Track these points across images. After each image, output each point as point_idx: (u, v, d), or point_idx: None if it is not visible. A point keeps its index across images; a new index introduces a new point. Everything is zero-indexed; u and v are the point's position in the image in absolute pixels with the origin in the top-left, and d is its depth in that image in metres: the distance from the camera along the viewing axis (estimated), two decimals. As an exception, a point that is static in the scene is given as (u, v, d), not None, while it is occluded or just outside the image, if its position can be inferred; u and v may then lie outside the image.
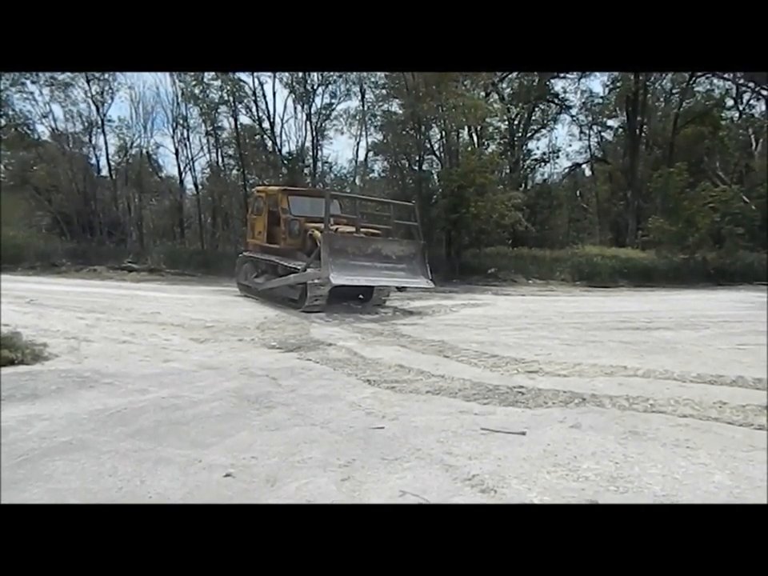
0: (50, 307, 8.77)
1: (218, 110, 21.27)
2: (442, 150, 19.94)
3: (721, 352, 6.22)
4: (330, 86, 21.60)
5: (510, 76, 25.70)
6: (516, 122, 26.93)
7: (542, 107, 27.72)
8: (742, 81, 24.45)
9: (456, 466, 2.96)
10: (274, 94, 22.28)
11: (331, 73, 20.74)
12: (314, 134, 21.75)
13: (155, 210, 25.94)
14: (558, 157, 29.27)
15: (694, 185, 18.81)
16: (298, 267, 9.61)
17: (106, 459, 2.98)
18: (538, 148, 29.08)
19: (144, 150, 22.38)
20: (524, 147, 27.45)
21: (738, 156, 25.35)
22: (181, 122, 21.24)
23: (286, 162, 21.54)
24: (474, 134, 23.15)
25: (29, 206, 21.62)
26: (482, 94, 22.31)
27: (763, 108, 25.16)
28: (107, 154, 21.39)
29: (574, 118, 27.93)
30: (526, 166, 28.15)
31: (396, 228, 10.75)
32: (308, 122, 21.51)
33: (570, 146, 34.40)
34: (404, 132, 19.78)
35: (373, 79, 21.85)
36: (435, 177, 20.79)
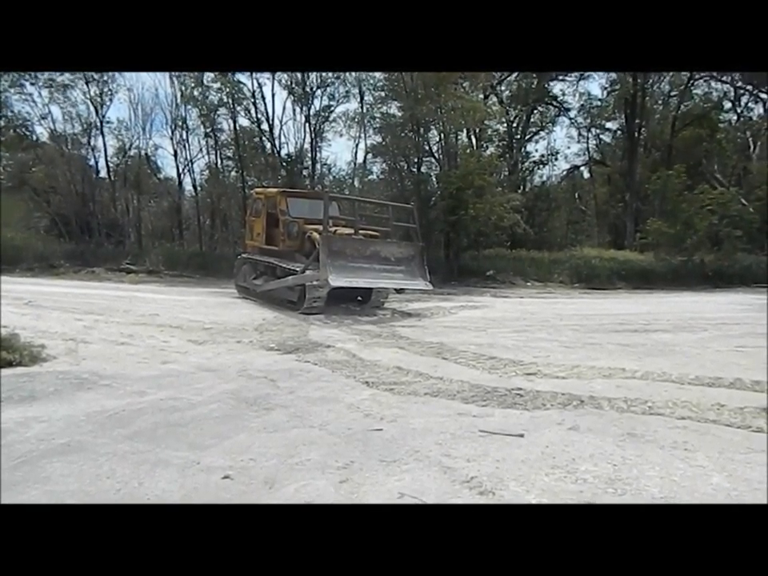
0: (48, 309, 8.77)
1: (217, 112, 21.30)
2: (440, 152, 19.97)
3: (719, 354, 6.23)
4: (328, 88, 21.66)
5: (508, 78, 25.75)
6: (515, 125, 26.97)
7: (541, 109, 27.76)
8: (740, 83, 24.53)
9: (454, 468, 2.96)
10: (273, 95, 22.35)
11: (330, 75, 20.79)
12: (313, 135, 21.79)
13: (154, 212, 25.92)
14: (556, 159, 29.31)
15: (692, 187, 18.83)
16: (297, 269, 9.61)
17: (104, 461, 2.98)
18: (536, 150, 29.16)
19: (143, 152, 22.40)
20: (522, 149, 27.48)
21: (736, 158, 25.39)
22: (180, 123, 21.28)
23: (284, 163, 21.56)
24: (472, 137, 23.17)
25: (27, 208, 21.60)
26: (481, 96, 22.36)
27: (761, 111, 25.26)
28: (106, 156, 21.43)
29: (573, 121, 28.00)
30: (524, 168, 28.16)
31: (395, 230, 10.75)
32: (307, 124, 21.57)
33: (569, 148, 34.39)
34: (403, 134, 19.80)
35: (372, 81, 21.91)
36: (434, 179, 20.79)
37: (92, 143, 20.96)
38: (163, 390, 4.44)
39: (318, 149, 22.25)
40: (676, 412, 4.02)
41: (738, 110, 26.43)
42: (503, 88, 26.46)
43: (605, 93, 26.85)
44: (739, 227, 17.97)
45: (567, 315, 10.03)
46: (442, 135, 19.55)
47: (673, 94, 25.97)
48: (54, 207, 21.04)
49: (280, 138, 21.70)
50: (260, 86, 21.15)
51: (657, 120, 26.35)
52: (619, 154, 27.53)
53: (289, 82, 21.13)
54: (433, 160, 20.80)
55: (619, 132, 27.28)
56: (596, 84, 37.09)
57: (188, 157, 21.77)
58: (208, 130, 21.65)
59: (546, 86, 26.31)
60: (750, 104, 25.99)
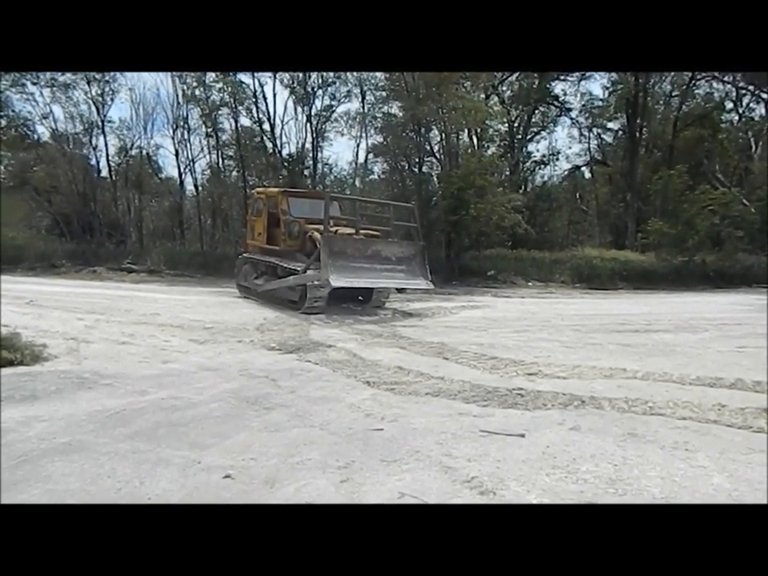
0: (50, 308, 8.78)
1: (219, 112, 21.30)
2: (441, 152, 19.96)
3: (720, 354, 6.22)
4: (330, 88, 21.65)
5: (510, 78, 25.73)
6: (516, 125, 26.96)
7: (542, 110, 27.74)
8: (741, 84, 24.49)
9: (455, 468, 2.96)
10: (275, 95, 22.37)
11: (331, 74, 20.78)
12: (314, 135, 21.78)
13: (155, 211, 25.94)
14: (557, 159, 29.34)
15: (694, 187, 18.81)
16: (298, 269, 9.61)
17: (105, 460, 2.98)
18: (537, 150, 29.16)
19: (144, 151, 22.43)
20: (524, 149, 27.48)
21: (738, 159, 25.34)
22: (181, 123, 21.29)
23: (286, 163, 21.55)
24: (473, 137, 23.17)
25: (29, 207, 21.62)
26: (482, 96, 22.35)
27: (763, 111, 25.20)
28: (107, 155, 21.45)
29: (574, 121, 27.99)
30: (525, 169, 28.16)
31: (395, 229, 10.75)
32: (308, 124, 21.56)
33: (570, 148, 34.37)
34: (404, 134, 19.81)
35: (373, 81, 21.92)
36: (435, 179, 20.79)
37: (93, 143, 21.03)
38: (164, 389, 4.44)
39: (319, 148, 22.29)
40: (677, 412, 4.02)
41: (740, 111, 26.43)
42: (504, 88, 26.46)
43: (606, 93, 26.88)
44: (740, 228, 17.96)
45: (568, 315, 10.03)
46: (443, 135, 19.55)
47: (674, 94, 25.94)
48: (55, 207, 21.06)
49: (281, 138, 21.74)
50: (261, 85, 21.19)
51: (658, 120, 26.31)
52: (620, 154, 27.52)
53: (290, 82, 21.14)
54: (434, 160, 20.82)
55: (620, 132, 27.27)
56: (597, 84, 37.13)
57: (189, 156, 21.81)
58: (209, 130, 21.67)
59: (548, 86, 26.28)
60: (751, 104, 25.99)
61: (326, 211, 9.14)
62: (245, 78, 20.82)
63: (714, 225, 17.82)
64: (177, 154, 21.56)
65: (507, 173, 25.17)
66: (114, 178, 21.94)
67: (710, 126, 24.91)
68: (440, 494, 2.64)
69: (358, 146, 23.35)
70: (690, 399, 4.33)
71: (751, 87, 24.27)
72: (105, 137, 21.05)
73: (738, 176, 24.88)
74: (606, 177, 28.94)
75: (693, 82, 24.72)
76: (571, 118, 27.86)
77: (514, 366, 5.49)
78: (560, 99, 27.42)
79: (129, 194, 22.36)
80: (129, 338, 6.55)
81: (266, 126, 21.69)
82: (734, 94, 25.75)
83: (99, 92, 20.14)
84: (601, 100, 27.08)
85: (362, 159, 23.69)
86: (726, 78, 24.36)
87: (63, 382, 4.51)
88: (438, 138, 20.09)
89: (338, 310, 9.74)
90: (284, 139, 21.79)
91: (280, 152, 21.69)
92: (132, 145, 21.89)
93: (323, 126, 22.21)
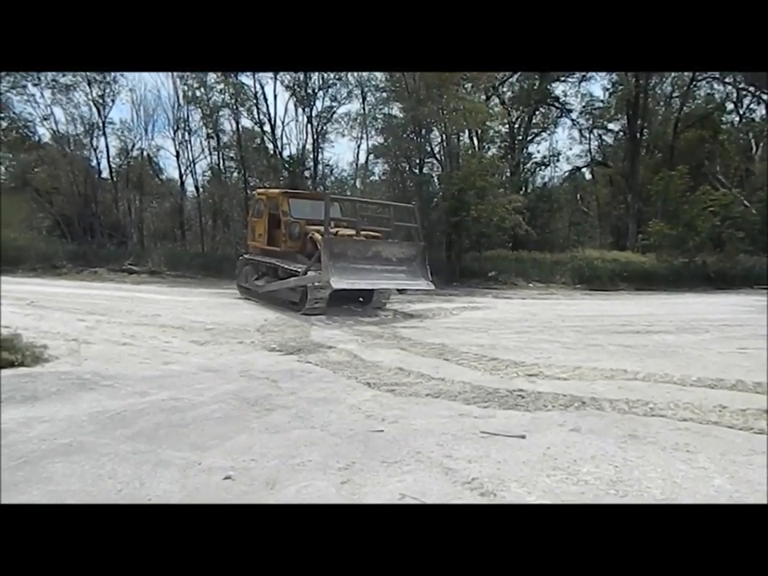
0: (51, 309, 8.78)
1: (220, 113, 21.29)
2: (442, 153, 19.93)
3: (721, 356, 6.22)
4: (330, 89, 21.64)
5: (510, 80, 25.74)
6: (516, 126, 26.97)
7: (543, 111, 27.73)
8: (742, 85, 24.49)
9: (455, 470, 2.96)
10: (275, 97, 22.32)
11: (332, 76, 20.78)
12: (315, 136, 21.76)
13: (156, 213, 25.93)
14: (558, 160, 29.32)
15: (695, 188, 18.78)
16: (299, 270, 9.61)
17: (106, 461, 2.98)
18: (538, 151, 29.18)
19: (145, 153, 22.39)
20: (524, 150, 27.46)
21: (739, 160, 25.34)
22: (182, 124, 21.27)
23: (286, 164, 21.54)
24: (474, 138, 23.19)
25: (30, 208, 21.62)
26: (483, 97, 22.36)
27: (763, 112, 25.17)
28: (108, 157, 21.40)
29: (575, 122, 27.98)
30: (526, 170, 28.15)
31: (396, 230, 10.74)
32: (309, 125, 21.53)
33: (571, 149, 34.42)
34: (405, 135, 19.80)
35: (373, 82, 21.92)
36: (436, 180, 20.77)
37: (94, 144, 20.96)
38: (165, 390, 4.45)
39: (320, 150, 22.25)
40: (678, 413, 4.02)
41: (741, 112, 26.43)
42: (505, 89, 26.46)
43: (607, 94, 26.86)
44: (741, 229, 17.95)
45: (569, 316, 10.02)
46: (444, 136, 19.53)
47: (675, 95, 25.94)
48: (56, 208, 21.05)
49: (282, 139, 21.71)
50: (262, 87, 21.15)
51: (659, 121, 26.31)
52: (621, 156, 27.52)
53: (291, 83, 21.14)
54: (434, 161, 20.78)
55: (621, 133, 27.26)
56: (598, 85, 37.14)
57: (190, 158, 21.77)
58: (210, 131, 21.65)
59: (548, 87, 26.28)
60: (752, 105, 25.97)
61: (326, 213, 9.14)
62: (246, 79, 20.84)
63: (714, 226, 17.79)
64: (178, 156, 21.56)
65: (508, 174, 25.14)
66: (114, 179, 21.92)
67: (710, 127, 24.92)
68: (440, 495, 2.64)
69: (358, 147, 23.38)
70: (690, 400, 4.33)
71: (752, 88, 24.27)
72: (106, 138, 21.05)
73: (738, 177, 24.86)
74: (607, 178, 28.94)
75: (693, 83, 24.72)
76: (572, 119, 27.89)
77: (515, 367, 5.49)
78: (560, 100, 27.45)
79: (130, 195, 22.33)
80: (130, 339, 6.55)
81: (267, 128, 21.69)
82: (735, 95, 25.79)
83: (100, 93, 20.13)
84: (601, 101, 27.10)
85: (362, 160, 23.73)
86: (726, 79, 24.37)
87: (64, 383, 4.51)
88: (439, 139, 20.08)
89: (338, 311, 9.74)
90: (285, 140, 21.80)
91: (281, 153, 21.68)
92: (133, 146, 21.89)
93: (324, 127, 22.20)
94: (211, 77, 20.18)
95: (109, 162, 21.50)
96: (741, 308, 11.97)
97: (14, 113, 20.16)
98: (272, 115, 21.50)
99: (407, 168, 20.63)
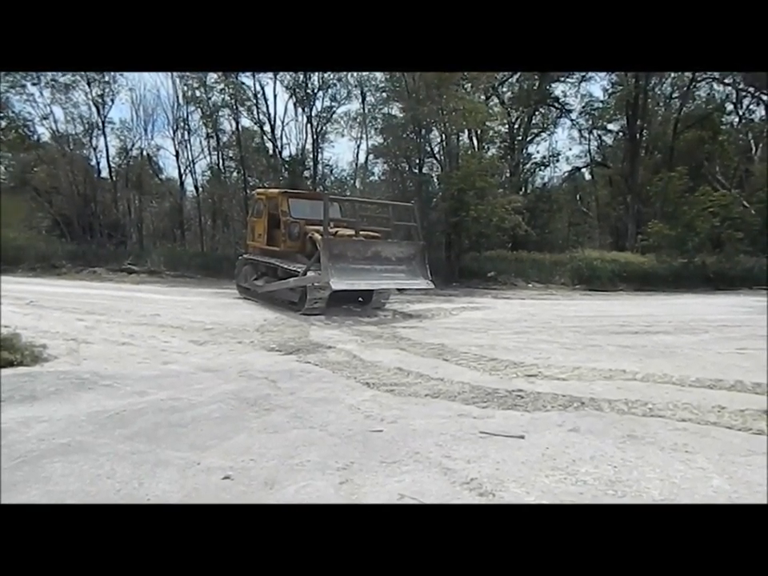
0: (50, 309, 8.79)
1: (219, 113, 21.29)
2: (442, 153, 19.92)
3: (720, 356, 6.23)
4: (330, 89, 21.63)
5: (510, 80, 25.74)
6: (516, 126, 26.94)
7: (542, 111, 27.70)
8: (741, 86, 24.49)
9: (454, 470, 2.96)
10: (275, 96, 22.33)
11: (331, 76, 20.78)
12: (315, 136, 21.74)
13: (155, 212, 25.91)
14: (557, 161, 29.28)
15: (694, 189, 18.79)
16: (298, 270, 9.60)
17: (105, 461, 2.98)
18: (538, 152, 29.15)
19: (144, 152, 22.38)
20: (524, 151, 27.44)
21: (738, 161, 25.35)
22: (182, 124, 21.26)
23: (286, 164, 21.53)
24: (474, 138, 23.18)
25: (29, 208, 21.61)
26: (483, 97, 22.35)
27: (763, 113, 25.18)
28: (108, 156, 21.40)
29: (574, 122, 27.94)
30: (525, 170, 28.12)
31: (395, 229, 10.75)
32: (309, 125, 21.52)
33: (570, 149, 34.47)
34: (404, 135, 19.77)
35: (373, 82, 21.91)
36: (435, 180, 20.77)
37: (94, 144, 20.97)
38: (164, 390, 4.45)
39: (319, 150, 22.24)
40: (677, 414, 4.02)
41: (740, 112, 26.41)
42: (504, 89, 26.45)
43: (606, 94, 26.86)
44: (741, 229, 17.96)
45: (568, 317, 10.03)
46: (444, 136, 19.51)
47: (674, 95, 25.94)
48: (55, 208, 21.04)
49: (282, 139, 21.69)
50: (262, 87, 21.14)
51: (658, 122, 26.30)
52: (621, 156, 27.50)
53: (291, 84, 21.13)
54: (434, 161, 20.77)
55: (621, 134, 27.24)
56: (597, 86, 37.14)
57: (190, 157, 21.77)
58: (210, 131, 21.64)
59: (548, 87, 26.27)
60: (751, 106, 25.98)
61: (325, 213, 9.13)
62: (245, 79, 20.84)
63: (714, 227, 17.80)
64: (177, 155, 21.55)
65: (507, 174, 25.14)
66: (114, 178, 21.91)
67: (710, 128, 24.91)
68: (439, 495, 2.64)
69: (358, 147, 23.37)
70: (689, 401, 4.33)
71: (751, 89, 24.27)
72: (105, 138, 21.04)
73: (738, 178, 24.88)
74: (607, 178, 28.95)
75: (693, 83, 24.71)
76: (571, 120, 27.87)
77: (514, 368, 5.50)
78: (560, 101, 27.42)
79: (129, 194, 22.33)
80: (129, 338, 6.55)
81: (267, 128, 21.67)
82: (735, 95, 25.78)
83: (99, 93, 20.12)
84: (601, 102, 27.07)
85: (362, 160, 23.71)
86: (726, 80, 24.37)
87: (63, 383, 4.51)
88: (439, 139, 20.05)
89: (338, 311, 9.74)
90: (284, 140, 21.78)
91: (280, 153, 21.67)
92: (132, 146, 21.88)
93: (324, 127, 22.19)
94: (211, 77, 20.18)
95: (108, 161, 21.52)
96: (740, 309, 11.98)
97: (13, 112, 20.18)
98: (272, 115, 21.51)
99: (407, 168, 20.62)
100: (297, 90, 21.20)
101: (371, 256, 9.35)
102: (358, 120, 22.93)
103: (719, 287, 17.56)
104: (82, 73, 18.90)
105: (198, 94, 20.75)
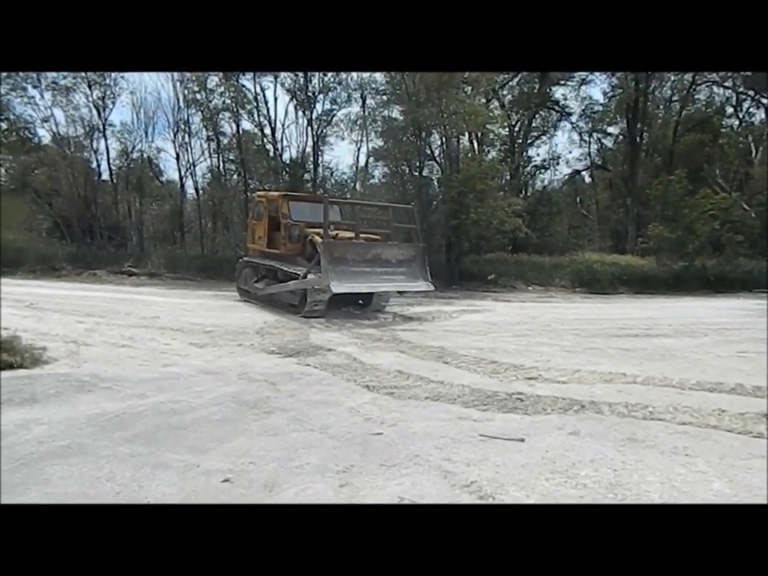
0: (50, 311, 8.78)
1: (220, 115, 21.31)
2: (442, 156, 19.93)
3: (720, 359, 6.22)
4: (330, 92, 21.65)
5: (510, 83, 25.79)
6: (516, 129, 26.96)
7: (543, 114, 27.73)
8: (741, 89, 24.54)
9: (454, 473, 2.95)
10: (276, 99, 22.45)
11: (332, 79, 20.82)
12: (315, 139, 21.75)
13: (156, 215, 25.94)
14: (558, 164, 29.33)
15: (694, 192, 18.79)
16: (298, 272, 9.61)
17: (104, 464, 2.98)
18: (538, 155, 29.14)
19: (145, 155, 22.42)
20: (524, 154, 27.45)
21: (738, 164, 25.36)
22: (182, 126, 21.30)
23: (286, 167, 21.55)
24: (474, 141, 23.18)
25: (29, 210, 21.62)
26: (483, 100, 22.36)
27: (763, 116, 25.24)
28: (108, 159, 21.42)
29: (574, 125, 27.98)
30: (526, 173, 28.15)
31: (395, 231, 10.75)
32: (309, 128, 21.53)
33: (570, 152, 34.51)
34: (404, 138, 19.78)
35: (373, 85, 21.94)
36: (435, 183, 20.76)
37: (94, 146, 21.00)
38: (163, 392, 4.44)
39: (320, 152, 22.25)
40: (677, 417, 4.02)
41: (740, 115, 26.46)
42: (505, 92, 26.48)
43: (606, 97, 26.90)
44: (741, 232, 17.95)
45: (568, 320, 10.03)
46: (444, 139, 19.52)
47: (675, 98, 25.96)
48: (56, 210, 21.07)
49: (282, 142, 21.70)
50: (263, 89, 21.19)
51: (659, 125, 26.32)
52: (621, 159, 27.50)
53: (291, 86, 21.17)
54: (434, 164, 20.76)
55: (621, 137, 27.26)
56: (597, 89, 37.11)
57: (190, 160, 21.78)
58: (210, 134, 21.64)
59: (548, 90, 26.31)
60: (751, 109, 26.03)
61: (325, 216, 9.14)
62: (246, 82, 20.88)
63: (714, 230, 17.79)
64: (178, 158, 21.58)
65: (507, 177, 25.16)
66: (114, 181, 21.94)
67: (710, 131, 24.94)
68: (439, 498, 2.64)
69: (358, 149, 23.38)
70: (689, 404, 4.33)
71: (751, 92, 24.32)
72: (106, 140, 21.07)
73: (738, 181, 24.90)
74: (607, 181, 28.96)
75: (693, 86, 24.74)
76: (571, 123, 27.91)
77: (514, 371, 5.49)
78: (560, 104, 27.45)
79: (129, 197, 22.35)
80: (129, 341, 6.55)
81: (267, 130, 21.67)
82: (735, 98, 25.81)
83: (100, 95, 20.16)
84: (601, 104, 27.11)
85: (362, 163, 23.71)
86: (726, 83, 24.42)
87: (63, 385, 4.51)
88: (439, 142, 20.05)
89: (338, 313, 9.74)
90: (285, 143, 21.79)
91: (281, 156, 21.68)
92: (133, 148, 21.91)
93: (324, 130, 22.21)
94: (212, 79, 20.22)
95: (109, 164, 21.55)
96: (740, 312, 11.98)
97: (14, 114, 20.20)
98: (272, 118, 21.53)
99: (407, 171, 20.61)
100: (297, 92, 21.23)
101: (371, 258, 9.36)
102: (358, 123, 22.94)
103: (719, 290, 17.56)
104: (83, 75, 18.95)
105: (198, 96, 20.77)
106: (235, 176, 23.04)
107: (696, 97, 25.97)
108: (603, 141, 28.63)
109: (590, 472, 3.00)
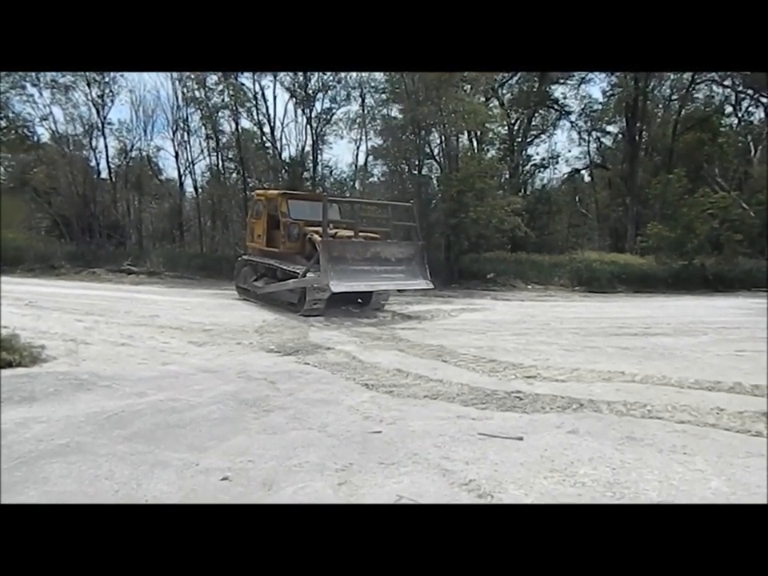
0: (49, 309, 8.78)
1: (219, 114, 21.28)
2: (441, 154, 19.91)
3: (719, 358, 6.23)
4: (330, 91, 21.62)
5: (510, 81, 25.77)
6: (516, 128, 26.94)
7: (542, 113, 27.70)
8: (741, 88, 24.53)
9: (453, 471, 2.96)
10: (275, 98, 22.36)
11: (331, 77, 20.79)
12: (315, 138, 21.73)
13: (155, 213, 25.89)
14: (557, 162, 29.29)
15: (693, 191, 18.79)
16: (297, 271, 9.60)
17: (103, 462, 2.98)
18: (537, 153, 29.10)
19: (144, 153, 22.36)
20: (523, 152, 27.44)
21: (737, 163, 25.34)
22: (181, 125, 21.26)
23: (286, 165, 21.53)
24: (473, 139, 23.16)
25: (29, 209, 21.59)
26: (482, 99, 22.35)
27: (762, 115, 25.22)
28: (107, 157, 21.36)
29: (574, 124, 27.95)
30: (525, 172, 28.14)
31: (395, 230, 10.75)
32: (308, 126, 21.51)
33: (570, 151, 34.30)
34: (404, 136, 19.75)
35: (373, 84, 21.91)
36: (435, 181, 20.76)
37: (93, 144, 20.91)
38: (163, 391, 4.44)
39: (319, 151, 22.22)
40: (675, 416, 4.02)
41: (739, 114, 26.42)
42: (504, 91, 26.45)
43: (606, 96, 26.87)
44: (740, 231, 17.95)
45: (567, 318, 10.03)
46: (443, 138, 19.50)
47: (674, 97, 25.95)
48: (55, 208, 21.03)
49: (281, 140, 21.67)
50: (262, 88, 21.15)
51: (658, 124, 26.31)
52: (620, 158, 27.48)
53: (291, 85, 21.14)
54: (434, 162, 20.74)
55: (620, 135, 27.23)
56: (597, 87, 37.14)
57: (189, 158, 21.73)
58: (209, 132, 21.60)
59: (547, 89, 26.28)
60: (750, 108, 26.00)
61: (324, 215, 9.14)
62: (245, 80, 20.85)
63: (713, 228, 17.79)
64: (177, 156, 21.53)
65: (507, 176, 25.16)
66: (113, 179, 21.88)
67: (709, 130, 24.91)
68: (438, 496, 2.64)
69: (357, 148, 23.31)
70: (688, 403, 4.34)
71: (750, 91, 24.31)
72: (105, 138, 21.00)
73: (737, 180, 24.87)
74: (606, 180, 28.93)
75: (692, 85, 24.73)
76: (571, 122, 27.87)
77: (513, 369, 5.50)
78: (560, 102, 27.42)
79: (129, 195, 22.31)
80: (128, 339, 6.55)
81: (267, 129, 21.64)
82: (734, 97, 25.79)
83: (99, 94, 20.09)
84: (600, 103, 27.06)
85: (361, 161, 23.66)
86: (725, 82, 24.40)
87: (62, 384, 4.51)
88: (438, 141, 20.03)
89: (337, 312, 9.74)
90: (284, 141, 21.74)
91: (280, 154, 21.65)
92: (132, 146, 21.84)
93: (323, 129, 22.19)
94: (211, 78, 20.17)
95: (108, 162, 21.49)
96: (739, 311, 11.99)
97: (13, 113, 20.16)
98: (271, 116, 21.49)
99: (406, 169, 20.59)
100: (297, 91, 21.21)
101: (370, 257, 9.36)
102: (357, 121, 22.91)
103: (718, 289, 17.57)
104: (82, 73, 18.89)
105: (197, 95, 20.75)
106: (234, 174, 23.01)
107: (695, 96, 25.95)
108: (602, 139, 28.61)
109: (589, 470, 3.00)
